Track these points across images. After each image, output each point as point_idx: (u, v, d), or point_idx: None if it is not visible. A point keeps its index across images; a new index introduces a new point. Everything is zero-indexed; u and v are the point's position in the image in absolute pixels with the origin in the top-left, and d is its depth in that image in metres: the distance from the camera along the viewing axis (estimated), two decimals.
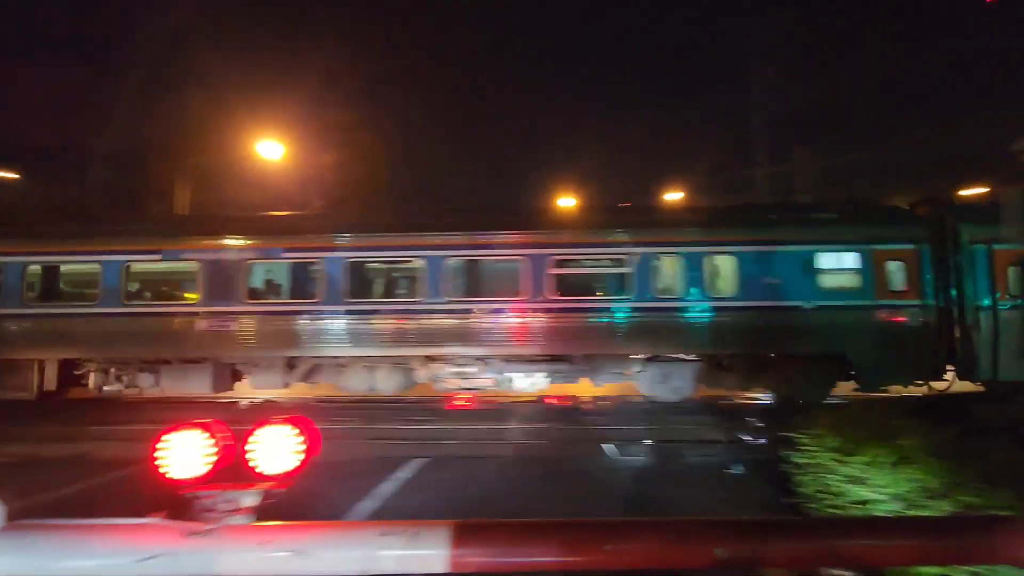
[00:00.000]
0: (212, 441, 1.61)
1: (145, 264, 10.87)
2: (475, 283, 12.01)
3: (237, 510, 1.64)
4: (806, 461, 4.40)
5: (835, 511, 3.87)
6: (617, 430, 9.11)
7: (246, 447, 1.70)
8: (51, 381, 10.84)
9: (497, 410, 11.37)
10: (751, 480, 6.15)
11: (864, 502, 3.54)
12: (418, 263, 10.72)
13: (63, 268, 11.19)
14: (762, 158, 28.48)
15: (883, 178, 30.61)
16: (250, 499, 1.66)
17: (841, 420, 4.18)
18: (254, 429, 1.71)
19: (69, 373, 11.01)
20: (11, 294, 10.36)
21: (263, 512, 1.70)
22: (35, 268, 10.78)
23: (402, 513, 4.97)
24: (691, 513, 5.13)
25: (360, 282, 11.06)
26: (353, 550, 1.53)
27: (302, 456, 1.67)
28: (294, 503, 1.86)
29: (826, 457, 4.07)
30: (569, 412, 11.18)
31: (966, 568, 2.36)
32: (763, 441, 8.08)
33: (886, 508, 3.29)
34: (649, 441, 8.31)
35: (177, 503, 1.71)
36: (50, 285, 11.13)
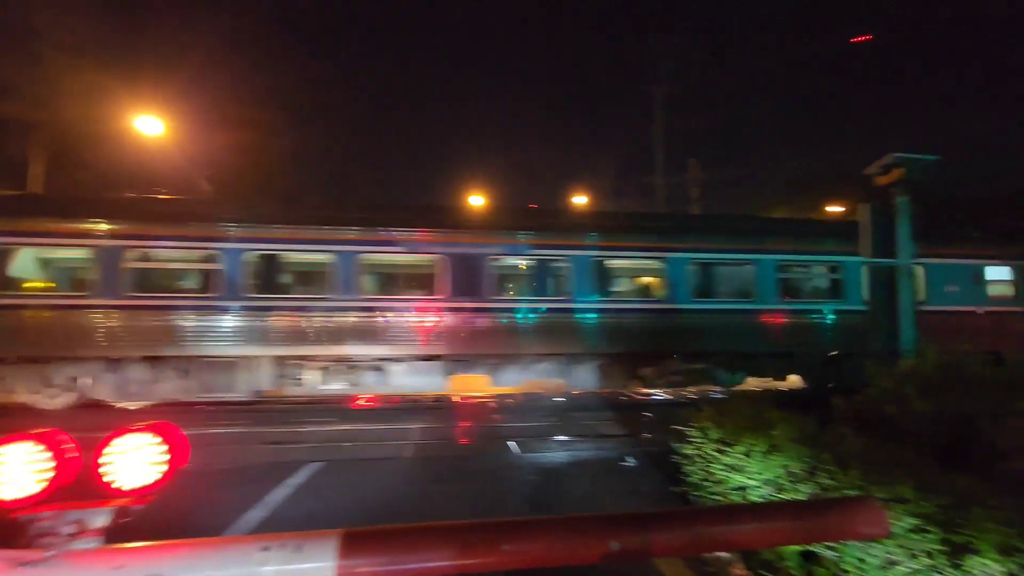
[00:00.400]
0: (49, 455, 1.38)
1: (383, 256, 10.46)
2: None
3: (83, 532, 1.42)
4: (692, 452, 4.73)
5: (718, 497, 4.19)
6: (522, 427, 9.26)
7: (99, 459, 1.48)
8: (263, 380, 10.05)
9: (400, 410, 11.12)
10: (645, 471, 6.49)
11: (742, 488, 3.86)
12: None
13: (286, 257, 10.42)
14: (659, 168, 30.27)
15: (763, 192, 33.86)
16: (100, 519, 1.45)
17: (723, 413, 4.53)
18: (109, 438, 1.50)
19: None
20: (229, 285, 9.51)
21: (118, 533, 1.49)
22: (253, 256, 9.80)
23: (292, 522, 4.66)
24: (587, 505, 5.33)
25: None
26: (226, 569, 1.38)
27: (164, 468, 1.48)
28: (170, 519, 1.66)
29: (710, 447, 4.39)
30: (474, 410, 11.20)
31: (824, 544, 2.64)
32: (656, 434, 8.60)
33: (760, 492, 3.61)
34: (551, 437, 8.52)
35: (9, 528, 1.46)
36: (272, 275, 10.34)
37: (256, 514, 4.86)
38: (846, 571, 2.67)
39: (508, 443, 8.07)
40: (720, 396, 9.07)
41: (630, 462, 6.90)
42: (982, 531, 2.11)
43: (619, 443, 8.08)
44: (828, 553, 2.79)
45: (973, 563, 2.09)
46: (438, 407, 11.45)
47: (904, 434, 3.94)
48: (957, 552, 2.17)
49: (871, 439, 3.60)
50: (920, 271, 11.21)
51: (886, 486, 2.63)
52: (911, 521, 2.39)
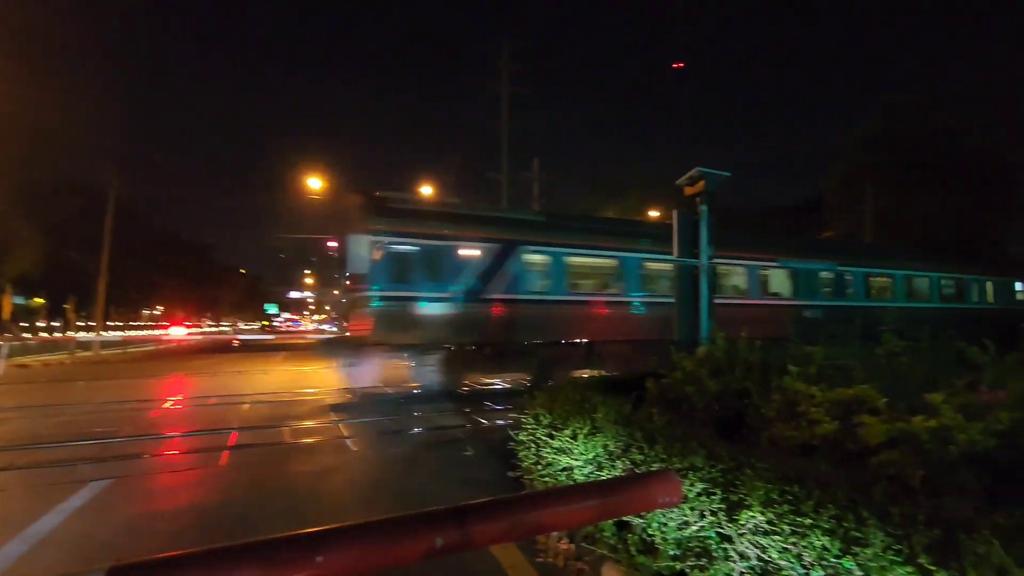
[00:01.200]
0: None
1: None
2: None
3: None
4: (526, 438, 4.95)
5: (547, 479, 4.44)
6: (360, 424, 8.88)
7: None
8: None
9: (218, 412, 9.94)
10: (484, 459, 6.65)
11: (569, 468, 4.14)
12: None
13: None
14: (504, 165, 31.28)
15: (593, 193, 36.95)
16: None
17: (553, 399, 4.82)
18: None
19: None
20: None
21: None
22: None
23: (60, 555, 3.86)
24: (426, 500, 5.30)
25: None
26: None
27: None
28: None
29: (542, 432, 4.64)
30: (314, 406, 10.47)
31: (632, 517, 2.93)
32: (497, 422, 8.88)
33: (584, 471, 3.91)
34: (390, 432, 8.31)
35: None
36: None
37: (12, 549, 3.93)
38: (652, 535, 3.01)
39: (345, 440, 7.68)
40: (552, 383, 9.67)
41: (469, 451, 7.02)
42: (752, 489, 2.52)
43: (460, 433, 8.18)
44: (637, 520, 3.11)
45: (745, 516, 2.48)
46: (269, 404, 10.47)
47: (699, 411, 4.57)
48: (733, 508, 2.56)
49: (673, 417, 4.11)
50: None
51: (683, 457, 3.01)
52: (700, 486, 2.76)
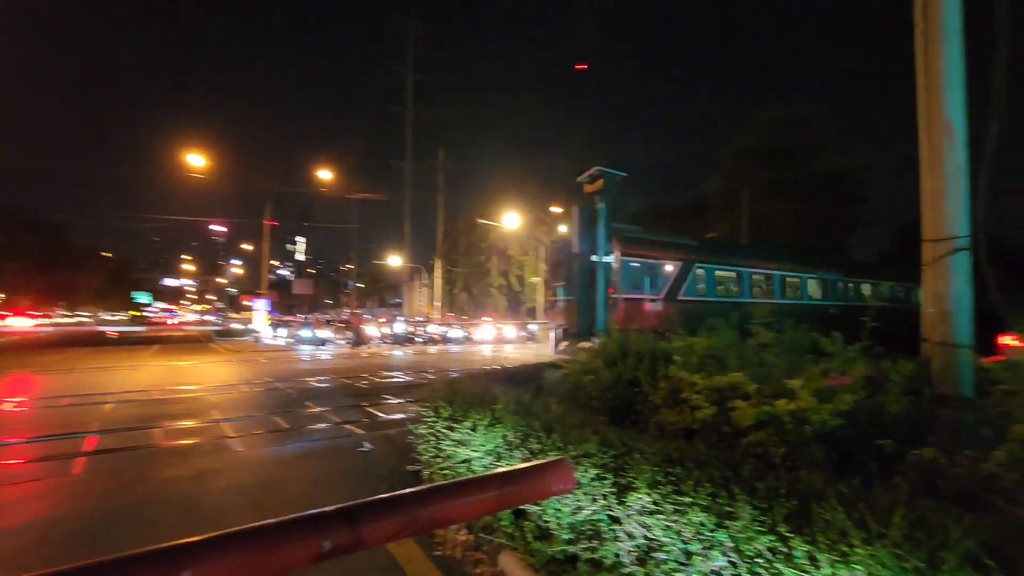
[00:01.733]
0: None
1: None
2: None
3: None
4: (425, 431, 4.88)
5: (447, 472, 4.41)
6: (246, 422, 8.26)
7: None
8: None
9: (73, 413, 8.77)
10: (382, 455, 6.46)
11: (468, 460, 4.14)
12: None
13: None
14: (408, 153, 30.57)
15: (501, 185, 37.25)
16: None
17: (454, 392, 4.79)
18: None
19: None
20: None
21: None
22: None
23: None
24: (321, 499, 5.03)
25: None
26: None
27: None
28: None
29: (442, 425, 4.60)
30: (192, 404, 9.55)
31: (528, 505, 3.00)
32: (396, 416, 8.67)
33: (482, 462, 3.92)
34: (280, 431, 7.82)
35: None
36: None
37: None
38: (547, 521, 3.09)
39: (228, 440, 7.10)
40: (455, 375, 9.65)
41: (366, 447, 6.79)
42: (640, 472, 2.67)
43: (357, 428, 7.90)
44: (534, 508, 3.18)
45: (633, 498, 2.63)
46: (140, 401, 9.39)
47: (595, 399, 4.77)
48: (623, 491, 2.70)
49: (570, 406, 4.25)
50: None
51: (578, 445, 3.12)
52: (594, 472, 2.88)
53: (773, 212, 30.00)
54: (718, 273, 16.11)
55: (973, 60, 3.43)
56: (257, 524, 1.40)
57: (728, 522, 2.18)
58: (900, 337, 4.25)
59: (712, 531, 2.22)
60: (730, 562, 2.15)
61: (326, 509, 1.41)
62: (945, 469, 2.61)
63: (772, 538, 2.04)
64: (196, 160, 23.09)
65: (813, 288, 18.63)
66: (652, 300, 14.31)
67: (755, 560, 2.07)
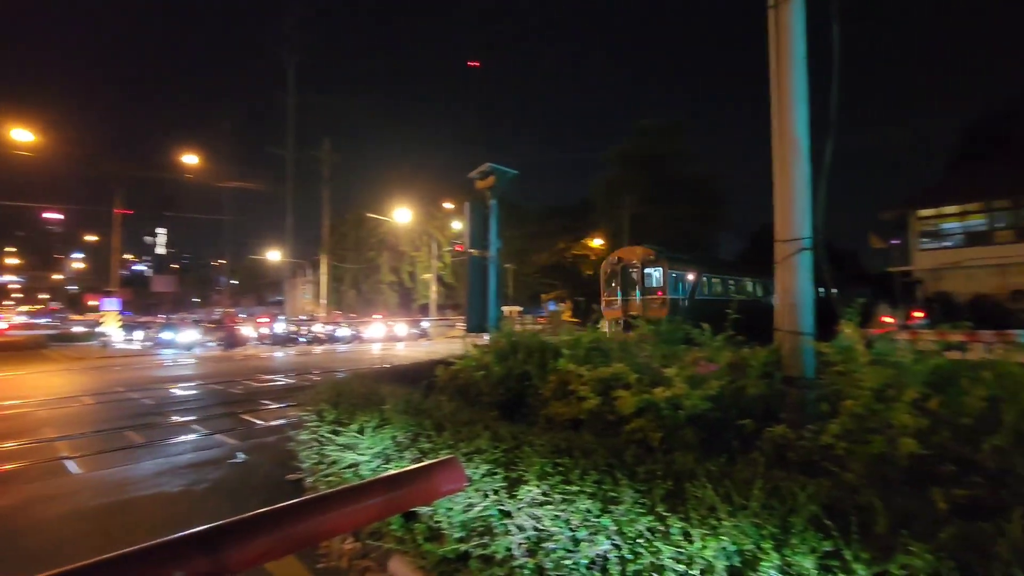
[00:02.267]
0: None
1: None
2: None
3: None
4: (308, 436, 4.57)
5: (332, 479, 4.16)
6: (88, 438, 7.18)
7: None
8: None
9: None
10: (258, 465, 5.96)
11: (355, 464, 3.94)
12: None
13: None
14: (290, 142, 28.69)
15: (392, 180, 36.19)
16: None
17: (339, 393, 4.53)
18: None
19: None
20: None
21: None
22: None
23: None
24: (180, 523, 4.50)
25: None
26: None
27: None
28: None
29: (326, 429, 4.33)
30: (17, 422, 8.08)
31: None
32: (275, 423, 8.05)
33: (371, 466, 3.75)
34: (138, 444, 6.91)
35: None
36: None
37: None
38: (439, 521, 3.03)
39: (66, 462, 6.12)
40: (341, 375, 9.21)
41: (240, 457, 6.23)
42: (530, 465, 2.71)
43: (229, 438, 7.21)
44: (425, 509, 3.09)
45: (523, 491, 2.65)
46: None
47: (486, 395, 4.78)
48: (513, 485, 2.72)
49: (462, 403, 4.21)
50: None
51: (469, 441, 3.09)
52: (485, 467, 2.87)
53: (651, 212, 32.34)
54: (713, 279, 22.00)
55: (817, 82, 3.92)
56: (87, 562, 1.18)
57: (612, 507, 2.28)
58: (765, 327, 4.79)
59: (598, 517, 2.30)
60: (614, 544, 2.24)
61: (178, 536, 1.22)
62: (793, 442, 2.95)
63: (651, 518, 2.16)
64: (21, 135, 19.65)
65: (747, 287, 23.97)
66: (683, 299, 19.74)
67: (636, 541, 2.18)
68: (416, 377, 5.65)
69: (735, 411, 3.38)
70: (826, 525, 1.87)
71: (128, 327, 26.94)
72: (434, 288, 34.85)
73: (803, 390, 3.52)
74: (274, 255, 37.90)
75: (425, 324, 32.63)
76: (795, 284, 3.75)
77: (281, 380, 13.25)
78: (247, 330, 26.18)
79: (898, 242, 23.11)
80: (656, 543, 2.12)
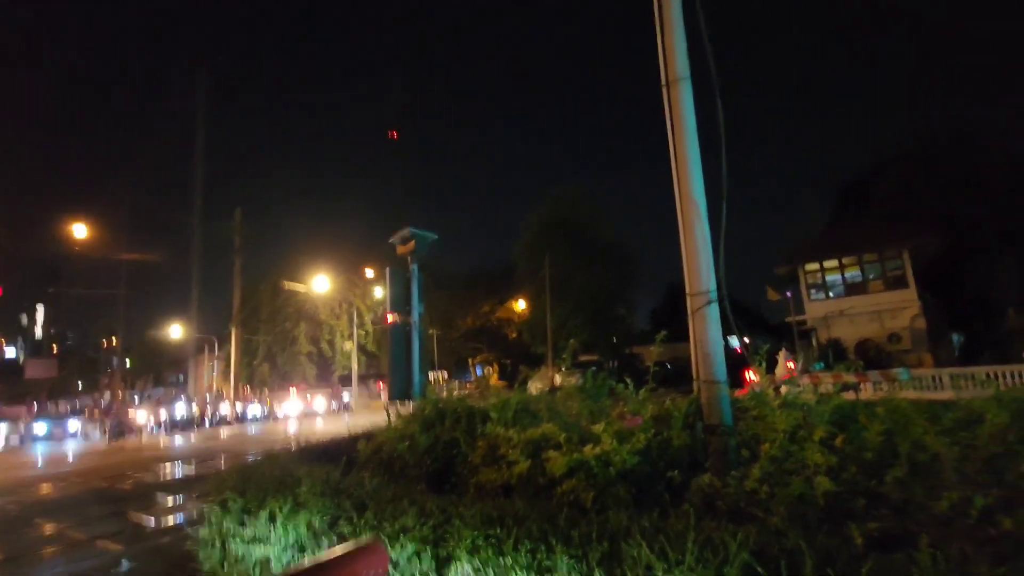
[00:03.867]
0: None
1: None
2: None
3: None
4: (209, 533, 4.05)
5: (248, 571, 3.67)
6: None
7: None
8: None
9: None
10: (148, 573, 5.18)
11: (266, 559, 3.51)
12: None
13: None
14: (198, 209, 27.44)
15: (309, 247, 35.18)
16: None
17: (247, 478, 4.10)
18: None
19: None
20: None
21: None
22: None
23: None
24: None
25: None
26: None
27: None
28: None
29: (231, 521, 3.86)
30: None
31: None
32: (171, 521, 7.12)
33: (282, 560, 3.36)
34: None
35: None
36: None
37: None
38: None
39: None
40: (251, 458, 8.40)
41: (125, 566, 5.39)
42: (460, 540, 2.53)
43: (118, 542, 6.24)
44: None
45: (454, 569, 2.46)
46: None
47: (412, 467, 4.52)
48: (443, 565, 2.52)
49: (385, 478, 3.94)
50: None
51: (394, 520, 2.86)
52: (412, 547, 2.65)
53: (570, 274, 33.52)
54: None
55: (715, 148, 4.35)
56: None
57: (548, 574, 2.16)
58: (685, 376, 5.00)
59: None
60: None
61: None
62: (719, 491, 3.00)
63: None
64: None
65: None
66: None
67: None
68: (336, 454, 5.26)
69: (663, 463, 3.41)
70: (758, 572, 1.87)
71: None
72: (355, 357, 33.46)
73: (724, 437, 3.63)
74: (177, 331, 35.00)
75: (346, 396, 30.99)
76: (707, 335, 3.96)
77: (179, 470, 11.88)
78: (141, 415, 23.51)
79: (791, 294, 25.36)
80: None
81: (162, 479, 10.74)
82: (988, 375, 13.57)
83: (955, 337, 26.37)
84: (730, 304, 4.17)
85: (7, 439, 21.84)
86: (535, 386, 17.34)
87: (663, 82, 4.35)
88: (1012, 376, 13.81)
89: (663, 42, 4.33)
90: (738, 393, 3.89)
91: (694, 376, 3.93)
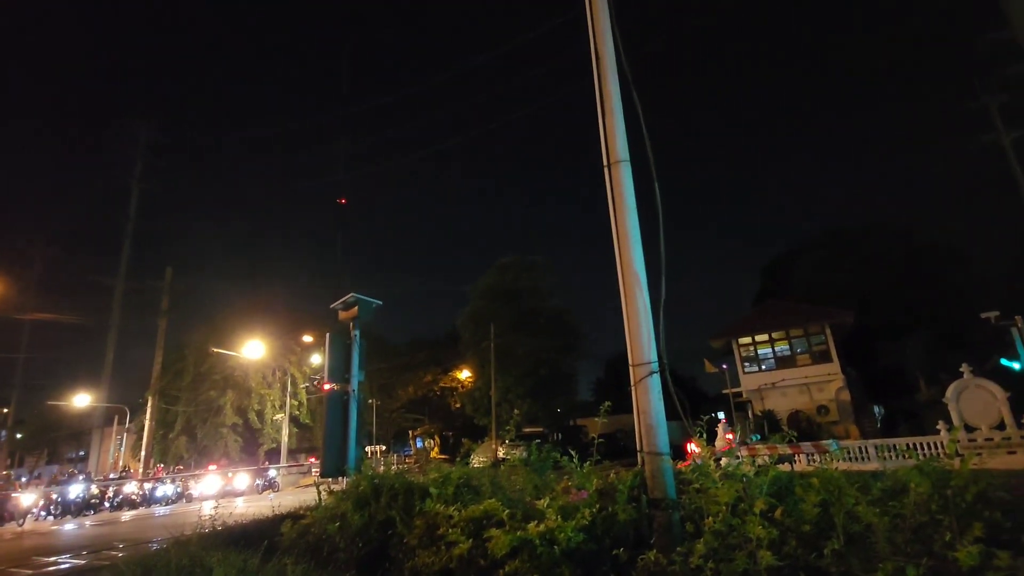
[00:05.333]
0: None
1: None
2: None
3: None
4: None
5: None
6: None
7: None
8: None
9: None
10: None
11: None
12: None
13: None
14: (123, 269, 25.97)
15: (242, 313, 33.54)
16: None
17: (149, 569, 3.61)
18: None
19: None
20: None
21: None
22: None
23: None
24: None
25: None
26: None
27: None
28: None
29: None
30: None
31: None
32: None
33: None
34: None
35: None
36: None
37: None
38: None
39: None
40: (157, 545, 7.45)
41: None
42: None
43: None
44: None
45: None
46: None
47: (342, 550, 4.15)
48: None
49: (311, 564, 3.60)
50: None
51: None
52: None
53: (514, 344, 33.52)
54: None
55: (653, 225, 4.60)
56: None
57: None
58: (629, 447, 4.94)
59: None
60: None
61: None
62: (665, 568, 2.91)
63: None
64: None
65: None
66: None
67: None
68: (257, 537, 4.77)
69: (608, 540, 3.30)
70: None
71: None
72: (286, 430, 31.30)
73: (668, 512, 3.58)
74: (83, 400, 31.78)
75: (273, 472, 28.63)
76: (650, 405, 3.99)
77: (67, 562, 10.36)
78: (28, 497, 20.65)
79: (726, 367, 26.33)
80: None
81: (45, 572, 9.30)
82: (908, 445, 14.41)
83: (876, 408, 27.95)
84: (671, 376, 4.27)
85: None
86: (478, 459, 16.68)
87: (605, 163, 4.64)
88: (928, 447, 14.70)
89: (604, 126, 4.67)
90: (680, 465, 3.89)
91: (638, 448, 3.92)
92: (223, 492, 25.37)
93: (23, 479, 33.14)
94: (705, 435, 3.90)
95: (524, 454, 5.26)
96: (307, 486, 23.27)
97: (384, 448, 38.60)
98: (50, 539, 14.33)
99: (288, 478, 29.09)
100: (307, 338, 34.06)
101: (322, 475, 6.36)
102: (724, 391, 25.94)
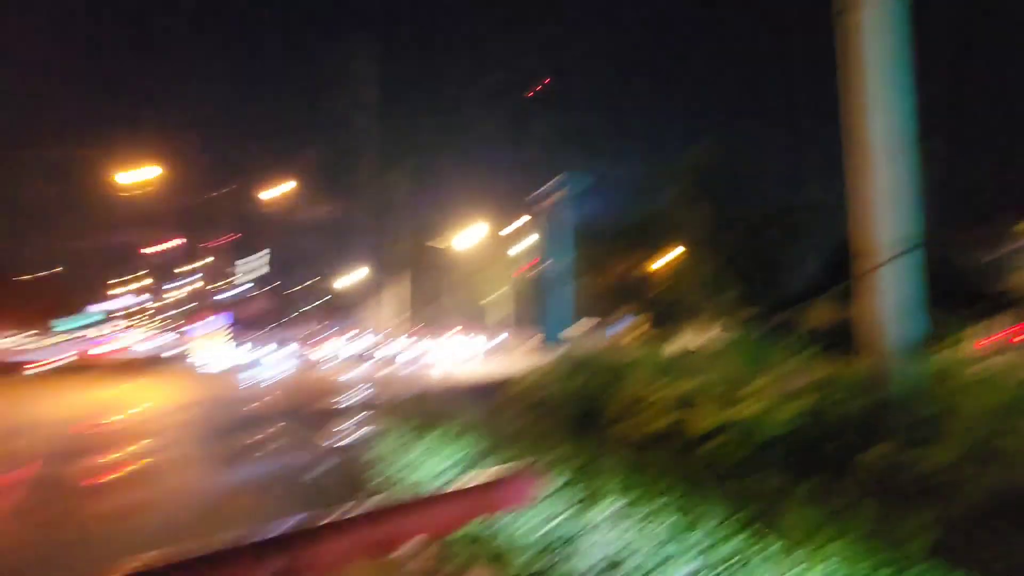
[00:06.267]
0: None
1: None
2: None
3: None
4: (387, 448, 4.71)
5: (412, 487, 4.25)
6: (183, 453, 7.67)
7: None
8: None
9: None
10: (332, 483, 6.11)
11: (435, 473, 4.02)
12: None
13: None
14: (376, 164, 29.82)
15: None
16: None
17: (412, 410, 4.66)
18: None
19: None
20: None
21: None
22: None
23: None
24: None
25: None
26: None
27: None
28: None
29: (406, 439, 4.45)
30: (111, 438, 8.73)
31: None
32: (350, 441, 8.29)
33: (454, 471, 3.81)
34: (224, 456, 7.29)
35: None
36: None
37: None
38: (517, 531, 3.02)
39: (161, 473, 6.55)
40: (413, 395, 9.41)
41: (313, 475, 6.40)
42: (609, 479, 2.65)
43: (305, 456, 7.35)
44: (503, 519, 3.10)
45: (602, 505, 2.60)
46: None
47: (559, 410, 4.74)
48: (594, 498, 2.67)
49: (535, 416, 4.22)
50: None
51: (545, 453, 3.07)
52: (563, 479, 2.84)
53: (727, 227, 31.05)
54: None
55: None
56: (176, 552, 1.22)
57: (701, 522, 2.18)
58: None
59: (685, 533, 2.21)
60: (703, 563, 2.15)
61: (253, 539, 1.25)
62: (896, 465, 2.70)
63: (747, 535, 2.04)
64: (147, 173, 22.21)
65: None
66: None
67: (728, 560, 2.07)
68: (487, 393, 5.71)
69: (829, 430, 3.14)
70: (943, 559, 1.69)
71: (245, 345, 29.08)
72: (505, 305, 35.06)
73: (903, 409, 3.22)
74: (360, 273, 39.82)
75: (495, 341, 32.79)
76: (889, 294, 3.47)
77: (343, 400, 13.63)
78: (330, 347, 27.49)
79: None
80: (750, 563, 2.00)
81: (329, 408, 12.43)
82: None
83: None
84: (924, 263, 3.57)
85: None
86: (686, 341, 16.53)
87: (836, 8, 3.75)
88: None
89: None
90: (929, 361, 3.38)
91: (864, 340, 3.50)
92: (458, 354, 30.07)
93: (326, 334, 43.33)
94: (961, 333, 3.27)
95: (735, 338, 5.12)
96: (524, 355, 26.12)
97: (594, 324, 40.73)
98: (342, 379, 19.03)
99: (507, 346, 33.07)
100: (521, 220, 36.25)
101: (537, 346, 7.12)
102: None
